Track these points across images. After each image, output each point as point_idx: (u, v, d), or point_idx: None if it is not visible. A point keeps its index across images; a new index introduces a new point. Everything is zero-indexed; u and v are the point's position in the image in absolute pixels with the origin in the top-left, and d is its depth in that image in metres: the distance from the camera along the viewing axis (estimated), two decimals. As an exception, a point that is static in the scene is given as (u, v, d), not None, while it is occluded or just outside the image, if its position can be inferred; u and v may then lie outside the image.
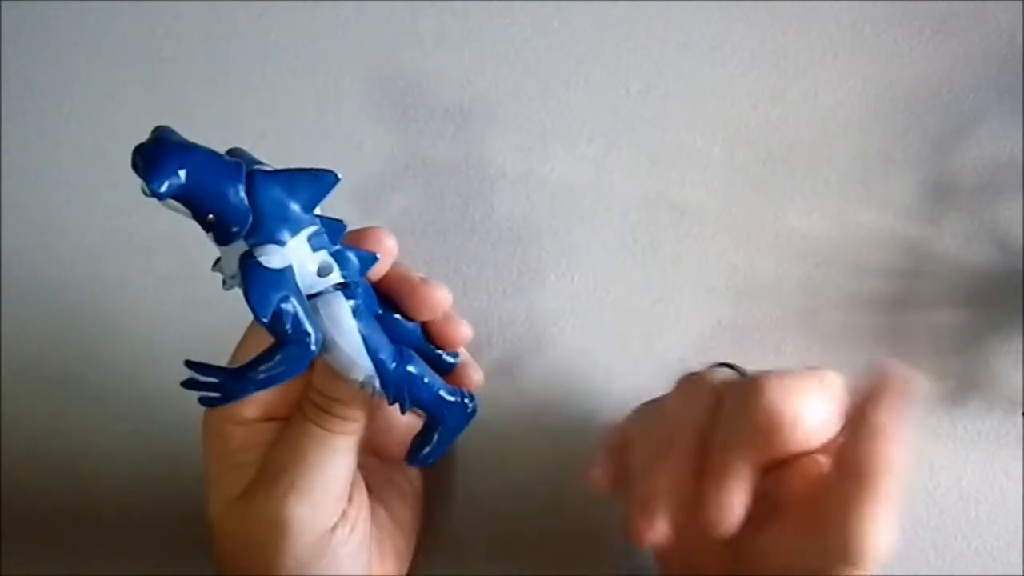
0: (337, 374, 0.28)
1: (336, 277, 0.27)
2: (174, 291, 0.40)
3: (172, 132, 0.26)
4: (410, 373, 0.29)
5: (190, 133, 0.41)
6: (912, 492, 0.38)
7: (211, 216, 0.25)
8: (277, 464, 0.30)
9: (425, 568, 0.37)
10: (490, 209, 0.40)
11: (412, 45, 0.41)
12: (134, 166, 0.25)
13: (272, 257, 0.26)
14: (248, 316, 0.26)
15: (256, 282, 0.25)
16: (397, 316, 0.31)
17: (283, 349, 0.26)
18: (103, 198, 0.41)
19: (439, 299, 0.31)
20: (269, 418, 0.31)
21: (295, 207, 0.26)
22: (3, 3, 0.42)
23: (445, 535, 0.39)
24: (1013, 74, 0.39)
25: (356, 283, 0.28)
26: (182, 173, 0.25)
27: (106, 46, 0.42)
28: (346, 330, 0.27)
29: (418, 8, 0.41)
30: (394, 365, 0.28)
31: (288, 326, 0.26)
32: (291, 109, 0.41)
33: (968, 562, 0.38)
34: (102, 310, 0.41)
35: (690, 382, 0.31)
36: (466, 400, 0.30)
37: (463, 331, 0.32)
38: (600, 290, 0.40)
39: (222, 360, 0.40)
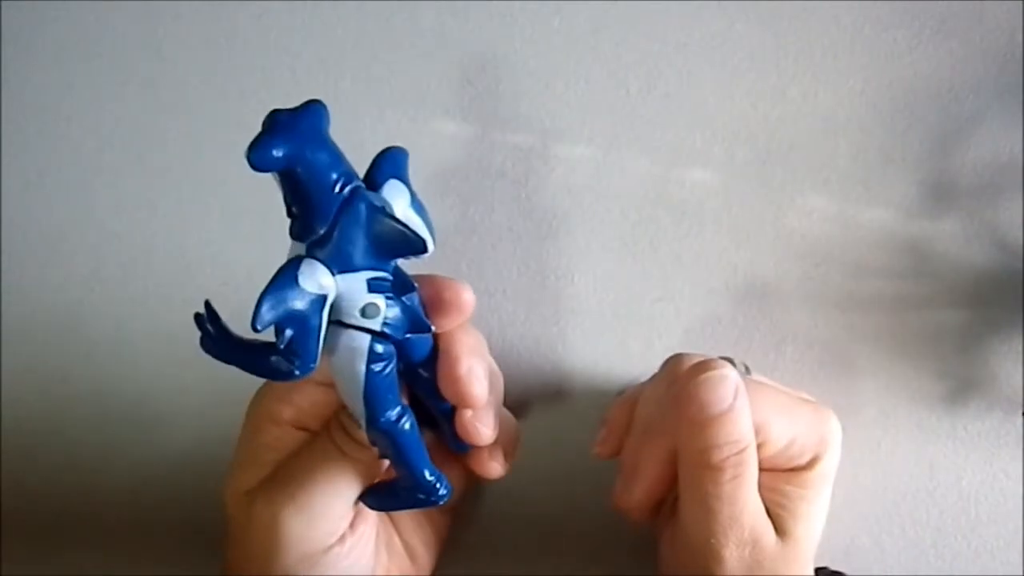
0: None
1: (376, 324, 0.27)
2: (174, 291, 0.41)
3: (316, 115, 0.25)
4: (401, 432, 0.28)
5: (190, 133, 0.41)
6: (912, 492, 0.38)
7: (294, 208, 0.25)
8: (286, 473, 0.30)
9: (440, 568, 0.37)
10: (490, 209, 0.40)
11: (412, 45, 0.41)
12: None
13: (309, 278, 0.25)
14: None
15: (276, 289, 0.25)
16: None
17: (274, 355, 0.26)
18: (103, 198, 0.41)
19: (471, 400, 0.30)
20: (301, 427, 0.31)
21: (366, 247, 0.26)
22: (3, 3, 0.42)
23: (450, 535, 0.39)
24: (1013, 74, 0.39)
25: (396, 338, 0.27)
26: (282, 154, 0.24)
27: (106, 46, 0.42)
28: (352, 371, 0.27)
29: (418, 8, 0.41)
30: (386, 420, 0.28)
31: (283, 341, 0.25)
32: (291, 109, 0.41)
33: (968, 562, 0.38)
34: (102, 310, 0.41)
35: (668, 364, 0.33)
36: (440, 487, 0.29)
37: (479, 436, 0.31)
38: (600, 290, 0.40)
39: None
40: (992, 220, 0.39)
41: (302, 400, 0.30)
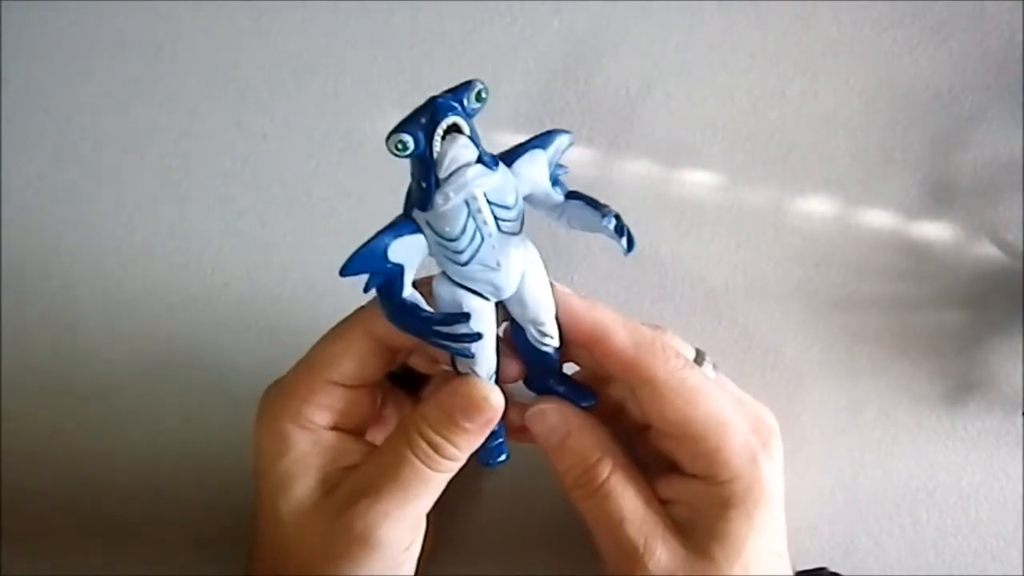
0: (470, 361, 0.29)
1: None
2: (174, 290, 0.40)
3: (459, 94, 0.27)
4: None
5: (190, 133, 0.41)
6: (912, 492, 0.38)
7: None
8: (372, 485, 0.30)
9: (433, 568, 0.37)
10: (490, 209, 0.40)
11: (412, 45, 0.41)
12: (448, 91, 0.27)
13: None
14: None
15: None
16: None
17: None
18: (103, 198, 0.41)
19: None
20: (335, 427, 0.31)
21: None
22: (3, 3, 0.42)
23: (451, 534, 0.39)
24: (1013, 74, 0.39)
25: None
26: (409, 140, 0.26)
27: (106, 46, 0.42)
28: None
29: (418, 8, 0.41)
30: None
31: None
32: (291, 109, 0.41)
33: (968, 562, 0.38)
34: (102, 310, 0.41)
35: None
36: (500, 446, 0.32)
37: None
38: (600, 290, 0.40)
39: (223, 357, 0.40)
40: (992, 220, 0.39)
41: (336, 403, 0.31)
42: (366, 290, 0.28)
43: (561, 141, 0.29)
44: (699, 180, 0.40)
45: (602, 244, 0.40)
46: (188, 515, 0.39)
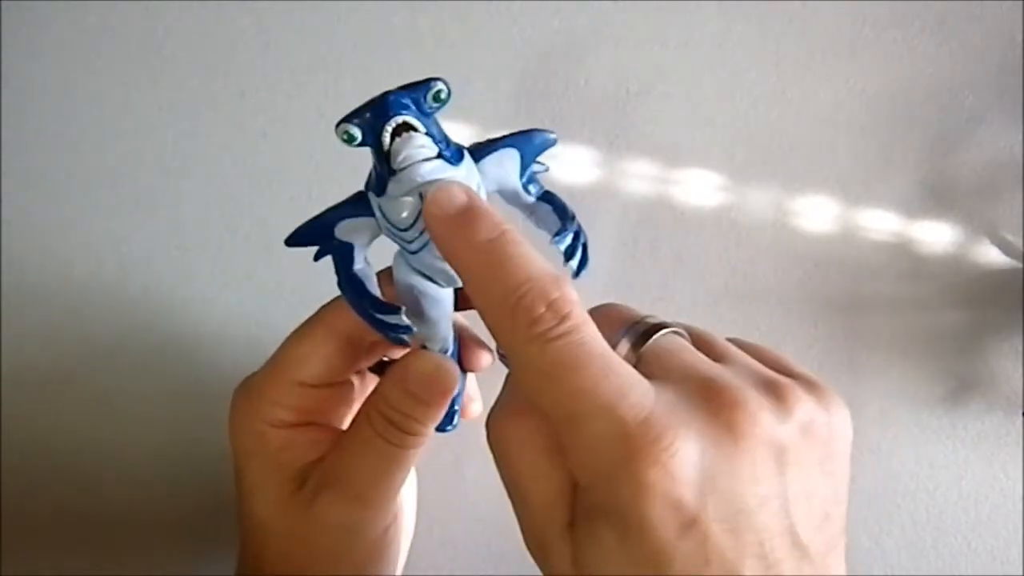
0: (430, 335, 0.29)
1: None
2: (174, 291, 0.41)
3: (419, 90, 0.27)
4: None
5: (190, 133, 0.41)
6: (912, 492, 0.38)
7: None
8: (342, 473, 0.30)
9: (424, 568, 0.37)
10: (490, 209, 0.40)
11: (412, 45, 0.41)
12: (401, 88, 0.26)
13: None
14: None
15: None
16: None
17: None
18: (103, 198, 0.41)
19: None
20: (307, 423, 0.31)
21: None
22: (3, 3, 0.42)
23: (443, 534, 0.39)
24: (1013, 74, 0.39)
25: None
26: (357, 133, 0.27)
27: (106, 46, 0.42)
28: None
29: (418, 8, 0.41)
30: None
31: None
32: (291, 109, 0.41)
33: (968, 562, 0.38)
34: (102, 310, 0.41)
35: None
36: (455, 418, 0.31)
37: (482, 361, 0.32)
38: (600, 290, 0.40)
39: (219, 357, 0.40)
40: (992, 220, 0.39)
41: (305, 402, 0.31)
42: (315, 259, 0.28)
43: (539, 142, 0.28)
44: (699, 180, 0.40)
45: (603, 244, 0.40)
46: (188, 515, 0.39)
